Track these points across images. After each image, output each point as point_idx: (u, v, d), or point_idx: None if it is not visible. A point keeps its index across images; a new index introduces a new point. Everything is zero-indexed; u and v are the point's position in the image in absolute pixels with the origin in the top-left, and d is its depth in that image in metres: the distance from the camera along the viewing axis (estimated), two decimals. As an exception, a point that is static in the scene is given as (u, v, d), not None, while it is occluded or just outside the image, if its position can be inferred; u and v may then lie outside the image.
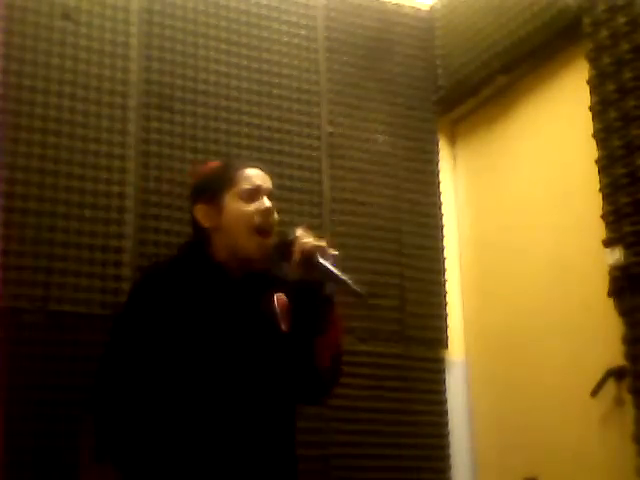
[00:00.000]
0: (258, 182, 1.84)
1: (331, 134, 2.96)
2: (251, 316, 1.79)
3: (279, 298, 1.83)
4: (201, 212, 1.84)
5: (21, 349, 2.29)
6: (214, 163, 1.97)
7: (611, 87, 2.38)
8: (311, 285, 1.76)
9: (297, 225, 1.82)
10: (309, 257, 1.74)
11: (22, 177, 2.42)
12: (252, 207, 1.80)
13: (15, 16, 2.51)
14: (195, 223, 1.86)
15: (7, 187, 2.38)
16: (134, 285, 1.93)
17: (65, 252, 2.42)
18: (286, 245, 1.77)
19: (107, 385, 1.76)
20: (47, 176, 2.45)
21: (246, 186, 1.81)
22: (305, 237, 1.77)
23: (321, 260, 1.73)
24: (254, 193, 1.81)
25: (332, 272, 1.74)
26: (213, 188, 1.83)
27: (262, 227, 1.79)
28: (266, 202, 1.82)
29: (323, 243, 1.76)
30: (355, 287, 1.75)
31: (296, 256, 1.74)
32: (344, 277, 1.73)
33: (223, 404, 1.72)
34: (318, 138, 2.94)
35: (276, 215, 1.83)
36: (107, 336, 1.82)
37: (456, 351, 3.05)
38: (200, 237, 1.86)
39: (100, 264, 2.46)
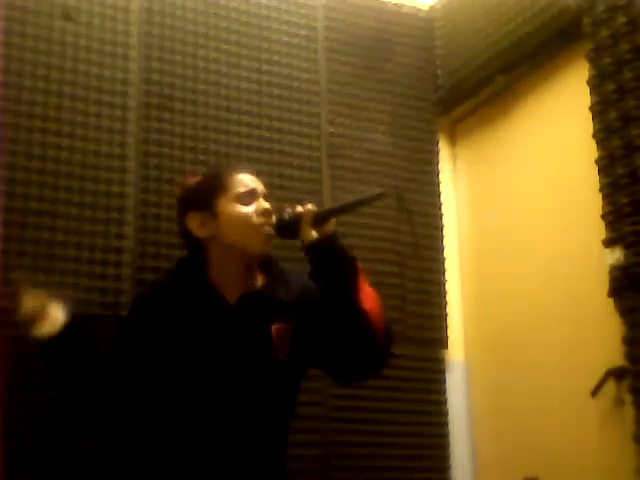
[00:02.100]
0: (253, 185, 1.80)
1: (331, 134, 2.96)
2: (247, 344, 1.74)
3: (277, 327, 1.76)
4: (195, 221, 1.78)
5: (21, 349, 2.28)
6: (200, 175, 1.91)
7: (611, 87, 2.38)
8: (329, 236, 1.75)
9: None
10: (318, 215, 1.76)
11: (22, 177, 2.42)
12: (251, 208, 1.77)
13: (15, 16, 2.51)
14: (188, 235, 1.81)
15: (7, 187, 2.38)
16: (130, 307, 1.89)
17: (65, 252, 2.42)
18: (290, 222, 1.77)
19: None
20: (47, 176, 2.45)
21: (242, 189, 1.78)
22: (300, 207, 1.78)
23: (326, 207, 1.79)
24: (251, 196, 1.78)
25: (342, 206, 1.82)
26: (206, 196, 1.78)
27: (262, 229, 1.76)
28: (264, 203, 1.79)
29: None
30: (371, 195, 1.84)
31: (306, 223, 1.75)
32: (353, 199, 1.81)
33: (214, 431, 1.70)
34: (318, 138, 2.94)
35: (274, 218, 1.80)
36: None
37: (456, 351, 3.05)
38: (195, 250, 1.81)
39: (100, 264, 2.46)
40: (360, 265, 1.76)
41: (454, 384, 3.00)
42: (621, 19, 2.36)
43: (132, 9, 2.71)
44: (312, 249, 1.74)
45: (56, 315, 1.72)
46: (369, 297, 1.75)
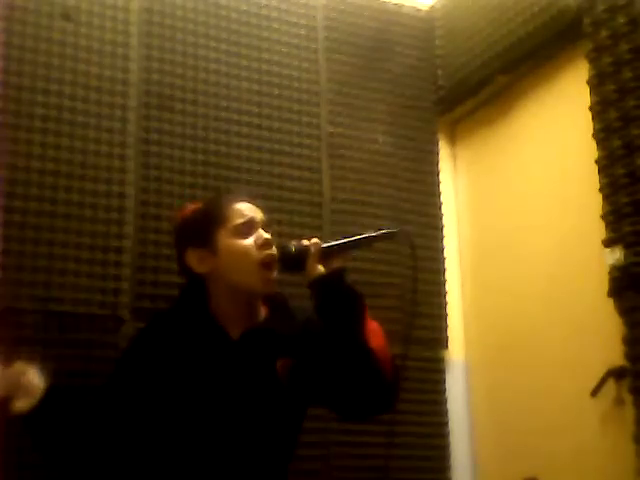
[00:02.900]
0: (251, 214, 1.76)
1: (331, 134, 2.96)
2: (252, 380, 1.70)
3: (281, 366, 1.73)
4: (194, 258, 1.75)
5: (21, 349, 2.28)
6: (196, 204, 1.88)
7: (611, 87, 2.37)
8: (337, 271, 1.69)
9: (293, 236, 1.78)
10: (326, 249, 1.71)
11: (22, 177, 2.41)
12: (250, 241, 1.72)
13: (15, 16, 2.51)
14: (187, 270, 1.77)
15: (7, 187, 2.38)
16: (132, 342, 1.87)
17: (65, 252, 2.42)
18: (296, 255, 1.71)
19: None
20: (47, 176, 2.45)
21: (239, 220, 1.73)
22: (306, 241, 1.72)
23: (334, 242, 1.73)
24: (249, 226, 1.74)
25: (352, 241, 1.75)
26: (203, 229, 1.74)
27: (265, 260, 1.72)
28: (264, 234, 1.74)
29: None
30: (377, 233, 1.77)
31: (314, 257, 1.68)
32: (363, 235, 1.76)
33: (218, 469, 1.67)
34: (318, 138, 2.93)
35: (274, 249, 1.75)
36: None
37: (456, 351, 3.04)
38: (195, 284, 1.78)
39: (100, 264, 2.46)
40: (365, 303, 1.70)
41: (454, 384, 3.00)
42: (621, 19, 2.36)
43: (132, 9, 2.70)
44: (319, 284, 1.68)
45: (34, 386, 1.68)
46: (375, 335, 1.70)
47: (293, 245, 1.73)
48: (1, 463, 2.10)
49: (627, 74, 2.33)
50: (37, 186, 2.43)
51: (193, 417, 1.69)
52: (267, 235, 1.74)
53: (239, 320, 1.74)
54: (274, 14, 2.95)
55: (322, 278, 1.68)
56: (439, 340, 2.99)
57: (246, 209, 1.76)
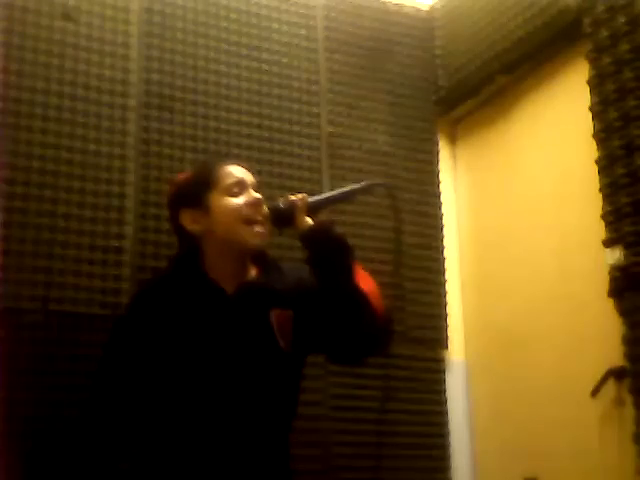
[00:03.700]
0: (241, 175, 1.82)
1: (331, 134, 2.96)
2: (248, 334, 1.75)
3: (277, 314, 1.79)
4: (188, 217, 1.80)
5: (21, 349, 2.29)
6: (188, 172, 1.95)
7: (611, 87, 2.37)
8: (326, 222, 1.77)
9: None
10: (312, 203, 1.78)
11: (22, 177, 2.41)
12: (241, 200, 1.78)
13: (15, 16, 2.51)
14: (182, 232, 1.83)
15: (7, 187, 2.38)
16: (128, 305, 1.91)
17: (65, 252, 2.42)
18: (285, 210, 1.78)
19: (100, 399, 1.77)
20: (47, 176, 2.45)
21: (230, 181, 1.80)
22: (293, 197, 1.80)
23: (318, 197, 1.82)
24: (240, 187, 1.80)
25: (334, 195, 1.84)
26: (196, 191, 1.80)
27: (252, 218, 1.78)
28: (254, 194, 1.80)
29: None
30: (359, 185, 1.85)
31: (301, 210, 1.76)
32: (345, 189, 1.84)
33: (218, 422, 1.70)
34: (318, 138, 2.94)
35: (265, 208, 1.81)
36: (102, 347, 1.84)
37: (456, 351, 3.04)
38: (190, 247, 1.83)
39: (100, 264, 2.46)
40: (355, 255, 1.77)
41: (454, 384, 3.00)
42: (621, 19, 2.36)
43: (132, 9, 2.71)
44: (308, 235, 1.75)
45: None
46: (366, 280, 1.77)
47: (281, 202, 1.80)
48: (1, 463, 2.10)
49: (627, 74, 2.33)
50: (37, 186, 2.43)
51: (194, 370, 1.72)
52: (257, 195, 1.80)
53: (232, 277, 1.79)
54: (274, 14, 2.95)
55: (311, 228, 1.75)
56: (439, 340, 2.99)
57: (236, 171, 1.83)
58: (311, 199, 1.79)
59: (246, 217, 1.77)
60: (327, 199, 1.85)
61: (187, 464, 1.68)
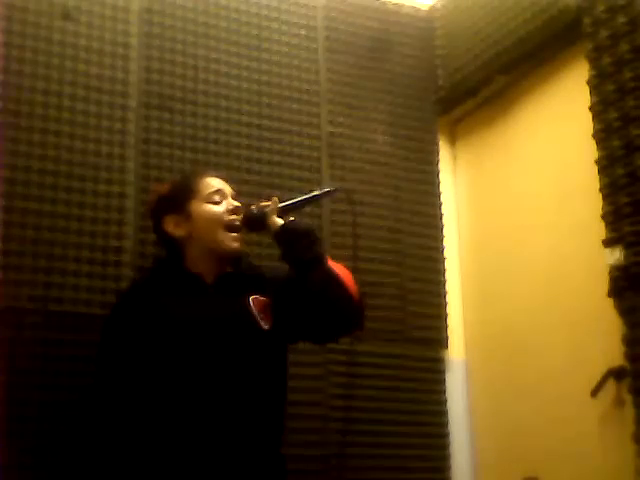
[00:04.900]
0: (220, 186, 1.98)
1: (331, 134, 2.96)
2: (229, 317, 1.87)
3: (255, 300, 1.92)
4: (171, 223, 1.96)
5: (21, 349, 2.29)
6: (167, 183, 2.11)
7: (611, 87, 2.37)
8: (294, 221, 1.92)
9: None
10: (283, 207, 1.95)
11: (22, 177, 2.41)
12: (221, 208, 1.94)
13: (15, 16, 2.51)
14: (165, 237, 1.98)
15: (7, 187, 2.38)
16: (114, 305, 2.03)
17: (65, 252, 2.42)
18: (257, 215, 1.94)
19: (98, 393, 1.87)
20: (47, 176, 2.45)
21: (210, 190, 1.95)
22: (264, 203, 1.95)
23: (286, 202, 1.97)
24: (220, 195, 1.96)
25: (301, 199, 2.01)
26: (179, 198, 1.96)
27: (232, 225, 1.93)
28: (233, 202, 1.97)
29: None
30: (322, 190, 2.06)
31: (272, 212, 1.91)
32: (310, 194, 2.03)
33: (205, 406, 1.78)
34: (318, 138, 2.94)
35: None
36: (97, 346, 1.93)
37: (456, 351, 3.04)
38: (172, 251, 1.97)
39: (100, 264, 2.46)
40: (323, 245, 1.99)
41: (454, 384, 3.00)
42: (621, 19, 2.36)
43: (132, 9, 2.70)
44: (280, 232, 1.89)
45: None
46: (338, 266, 1.91)
47: (254, 207, 1.96)
48: (2, 463, 2.10)
49: (627, 74, 2.33)
50: (37, 186, 2.43)
51: (181, 354, 1.82)
52: (237, 203, 1.98)
53: (212, 273, 1.95)
54: (274, 14, 2.95)
55: (282, 225, 1.90)
56: (439, 340, 2.99)
57: (215, 182, 2.00)
58: (281, 204, 1.95)
59: (226, 223, 1.92)
60: (295, 203, 2.00)
61: (177, 444, 1.75)
